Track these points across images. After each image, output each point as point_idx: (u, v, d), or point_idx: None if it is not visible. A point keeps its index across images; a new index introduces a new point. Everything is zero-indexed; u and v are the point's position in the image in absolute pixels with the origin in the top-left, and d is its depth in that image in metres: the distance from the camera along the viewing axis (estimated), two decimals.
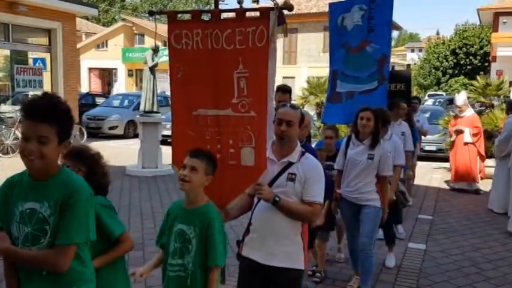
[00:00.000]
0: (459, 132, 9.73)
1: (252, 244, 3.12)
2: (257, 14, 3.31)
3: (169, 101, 3.78)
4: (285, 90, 5.21)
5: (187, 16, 3.50)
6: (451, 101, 22.36)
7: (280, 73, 29.52)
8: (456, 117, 9.96)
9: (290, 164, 3.06)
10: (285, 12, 3.38)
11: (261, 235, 3.07)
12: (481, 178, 10.12)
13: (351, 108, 5.21)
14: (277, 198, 2.95)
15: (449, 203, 8.98)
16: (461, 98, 9.89)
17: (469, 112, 9.80)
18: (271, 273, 3.05)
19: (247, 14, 3.34)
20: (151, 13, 3.79)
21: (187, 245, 2.72)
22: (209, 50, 3.30)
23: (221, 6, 3.97)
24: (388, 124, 5.12)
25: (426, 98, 31.33)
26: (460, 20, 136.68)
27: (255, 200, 3.15)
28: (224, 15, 3.48)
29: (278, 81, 34.47)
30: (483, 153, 9.95)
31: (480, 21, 30.53)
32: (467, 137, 9.69)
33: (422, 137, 9.41)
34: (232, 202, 3.28)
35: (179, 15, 3.55)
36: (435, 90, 36.35)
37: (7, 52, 14.53)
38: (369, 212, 4.52)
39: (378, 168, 4.53)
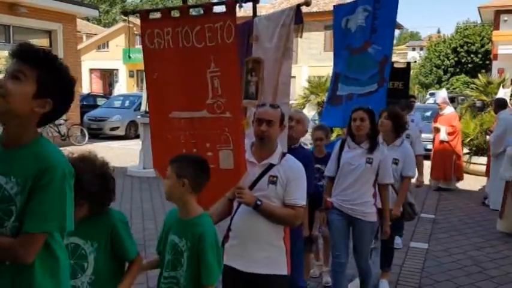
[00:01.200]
0: (436, 130, 9.72)
1: (233, 251, 2.98)
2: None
3: None
4: None
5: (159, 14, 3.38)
6: (452, 99, 22.31)
7: None
8: (437, 114, 9.94)
9: (271, 166, 2.94)
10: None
11: (241, 241, 2.96)
12: (458, 178, 10.01)
13: (349, 111, 4.95)
14: (258, 202, 2.83)
15: (451, 201, 8.96)
16: (440, 95, 9.90)
17: (448, 110, 9.68)
18: (255, 281, 2.93)
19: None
20: (124, 13, 3.70)
21: (179, 258, 2.54)
22: (180, 48, 3.16)
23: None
24: (403, 130, 4.83)
25: (428, 96, 31.33)
26: (461, 18, 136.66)
27: (235, 204, 3.02)
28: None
29: None
30: (460, 153, 9.86)
31: (481, 19, 30.45)
32: (442, 135, 9.63)
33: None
34: (212, 207, 3.08)
35: (152, 13, 3.41)
36: (436, 89, 36.29)
37: (6, 54, 14.57)
38: (364, 229, 4.10)
39: (376, 175, 4.09)
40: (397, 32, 61.79)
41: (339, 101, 5.43)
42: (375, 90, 5.10)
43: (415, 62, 44.23)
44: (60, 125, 14.70)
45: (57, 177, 1.73)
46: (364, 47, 5.18)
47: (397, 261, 5.64)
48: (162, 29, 3.20)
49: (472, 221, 7.62)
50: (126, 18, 3.65)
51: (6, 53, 14.43)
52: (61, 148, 1.91)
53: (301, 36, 3.39)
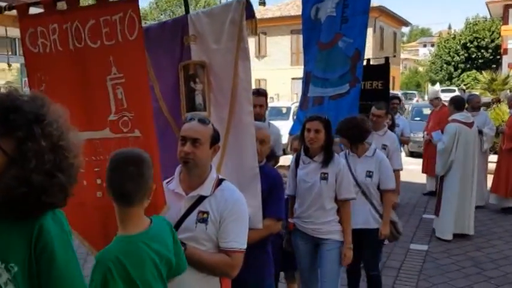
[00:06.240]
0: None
1: None
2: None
3: None
4: (259, 93, 4.47)
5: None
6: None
7: (289, 74, 29.47)
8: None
9: (201, 198, 2.28)
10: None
11: None
12: None
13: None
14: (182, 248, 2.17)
15: None
16: (432, 91, 9.53)
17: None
18: None
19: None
20: None
21: None
22: (71, 50, 2.49)
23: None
24: (364, 138, 4.17)
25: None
26: (471, 13, 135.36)
27: None
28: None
29: (287, 82, 33.33)
30: None
31: (490, 14, 30.21)
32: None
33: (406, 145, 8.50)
34: None
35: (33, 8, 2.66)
36: (447, 85, 36.05)
37: (18, 65, 14.85)
38: (330, 250, 3.66)
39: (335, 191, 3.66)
40: (407, 29, 61.46)
41: (306, 105, 4.83)
42: (346, 91, 4.54)
43: (426, 56, 43.86)
44: None
45: None
46: (334, 40, 4.58)
47: (395, 263, 5.66)
48: (47, 26, 2.50)
49: (475, 221, 7.55)
50: None
51: (16, 65, 14.73)
52: None
53: (255, 34, 2.90)
